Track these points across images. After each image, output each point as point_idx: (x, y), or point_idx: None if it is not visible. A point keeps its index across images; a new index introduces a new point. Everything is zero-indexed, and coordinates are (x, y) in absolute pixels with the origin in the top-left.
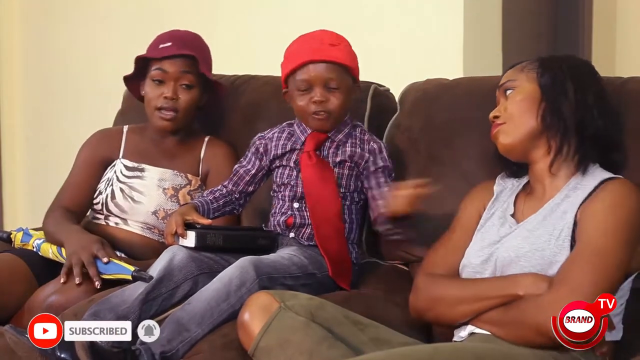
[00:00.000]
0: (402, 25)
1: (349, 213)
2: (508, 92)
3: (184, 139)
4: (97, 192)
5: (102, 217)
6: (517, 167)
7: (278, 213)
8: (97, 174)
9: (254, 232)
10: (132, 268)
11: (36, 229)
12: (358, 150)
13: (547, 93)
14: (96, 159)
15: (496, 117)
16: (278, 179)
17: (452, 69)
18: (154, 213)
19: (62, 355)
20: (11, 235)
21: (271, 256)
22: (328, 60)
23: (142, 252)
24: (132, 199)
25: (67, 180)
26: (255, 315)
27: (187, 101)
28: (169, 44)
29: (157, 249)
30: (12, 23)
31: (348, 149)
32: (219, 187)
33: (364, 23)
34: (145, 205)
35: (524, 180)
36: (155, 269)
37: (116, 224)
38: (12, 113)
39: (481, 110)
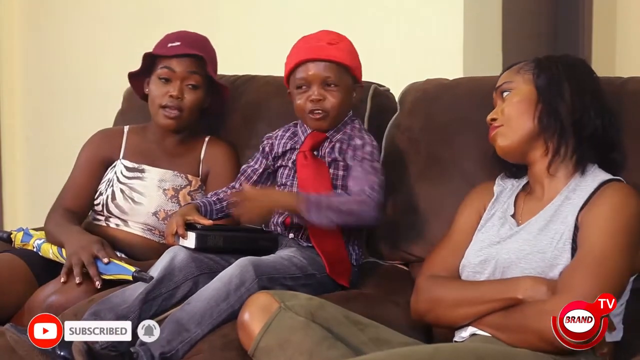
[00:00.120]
0: (402, 26)
1: None
2: (505, 94)
3: (184, 140)
4: (98, 193)
5: (102, 218)
6: (516, 168)
7: (277, 213)
8: (98, 175)
9: (255, 233)
10: (132, 269)
11: (36, 229)
12: (344, 147)
13: (543, 94)
14: (97, 159)
15: (493, 119)
16: (279, 180)
17: (452, 69)
18: (155, 214)
19: (62, 354)
20: (11, 235)
21: (271, 257)
22: (325, 59)
23: (142, 253)
24: (133, 200)
25: (68, 181)
26: (255, 316)
27: (192, 101)
28: (178, 43)
29: (158, 249)
30: (12, 23)
31: (338, 146)
32: (224, 189)
33: (364, 23)
34: (145, 206)
35: (524, 180)
36: (156, 269)
37: (117, 225)
38: (12, 113)
39: (481, 110)
